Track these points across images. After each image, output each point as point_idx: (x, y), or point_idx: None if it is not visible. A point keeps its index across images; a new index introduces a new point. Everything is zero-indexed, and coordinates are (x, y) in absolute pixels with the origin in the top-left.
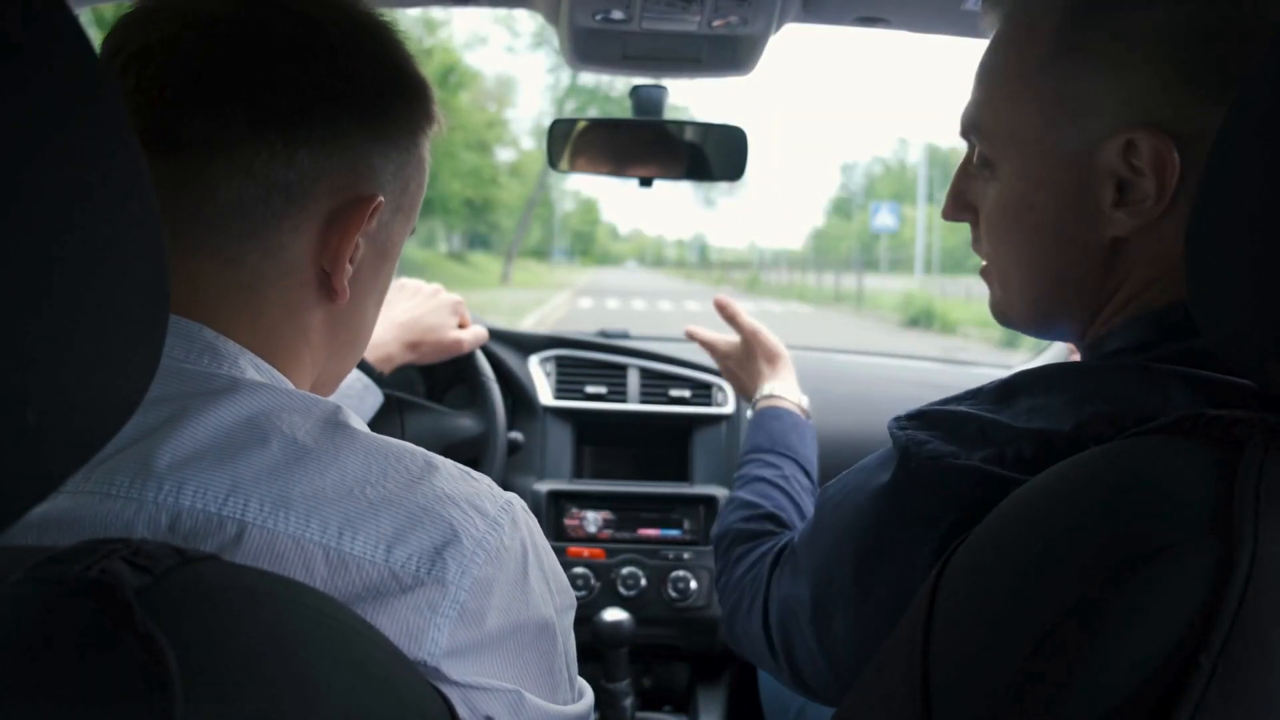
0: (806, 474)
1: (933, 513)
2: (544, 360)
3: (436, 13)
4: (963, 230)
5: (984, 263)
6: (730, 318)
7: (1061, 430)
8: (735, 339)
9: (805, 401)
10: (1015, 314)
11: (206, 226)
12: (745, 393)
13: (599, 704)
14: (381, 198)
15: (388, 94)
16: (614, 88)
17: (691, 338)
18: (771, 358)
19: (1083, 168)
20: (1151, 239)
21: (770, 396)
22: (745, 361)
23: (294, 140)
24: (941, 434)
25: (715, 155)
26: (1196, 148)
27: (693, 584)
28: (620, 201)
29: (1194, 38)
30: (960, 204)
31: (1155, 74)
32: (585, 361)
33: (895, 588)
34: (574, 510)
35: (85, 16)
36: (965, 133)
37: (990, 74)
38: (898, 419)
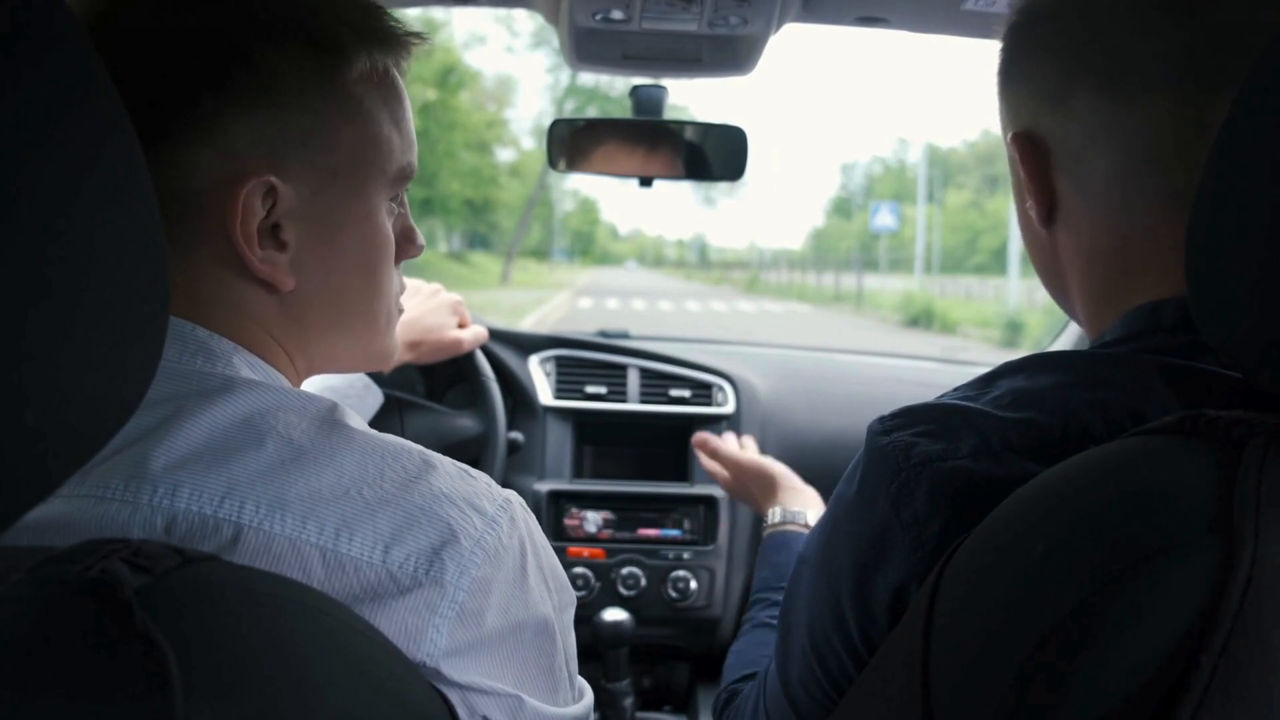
0: None
1: (922, 517)
2: (544, 360)
3: (436, 13)
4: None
5: None
6: (710, 454)
7: (1047, 422)
8: (727, 473)
9: (812, 511)
10: None
11: None
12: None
13: (599, 704)
14: (269, 175)
15: (256, 55)
16: (614, 87)
17: (704, 469)
18: (764, 485)
19: (1016, 167)
20: (1070, 234)
21: (776, 525)
22: (741, 493)
23: (151, 141)
24: (928, 429)
25: (715, 155)
26: (1052, 151)
27: (693, 584)
28: (620, 201)
29: (1049, 54)
30: None
31: (1026, 87)
32: (585, 361)
33: (894, 599)
34: (574, 510)
35: None
36: None
37: None
38: (881, 419)
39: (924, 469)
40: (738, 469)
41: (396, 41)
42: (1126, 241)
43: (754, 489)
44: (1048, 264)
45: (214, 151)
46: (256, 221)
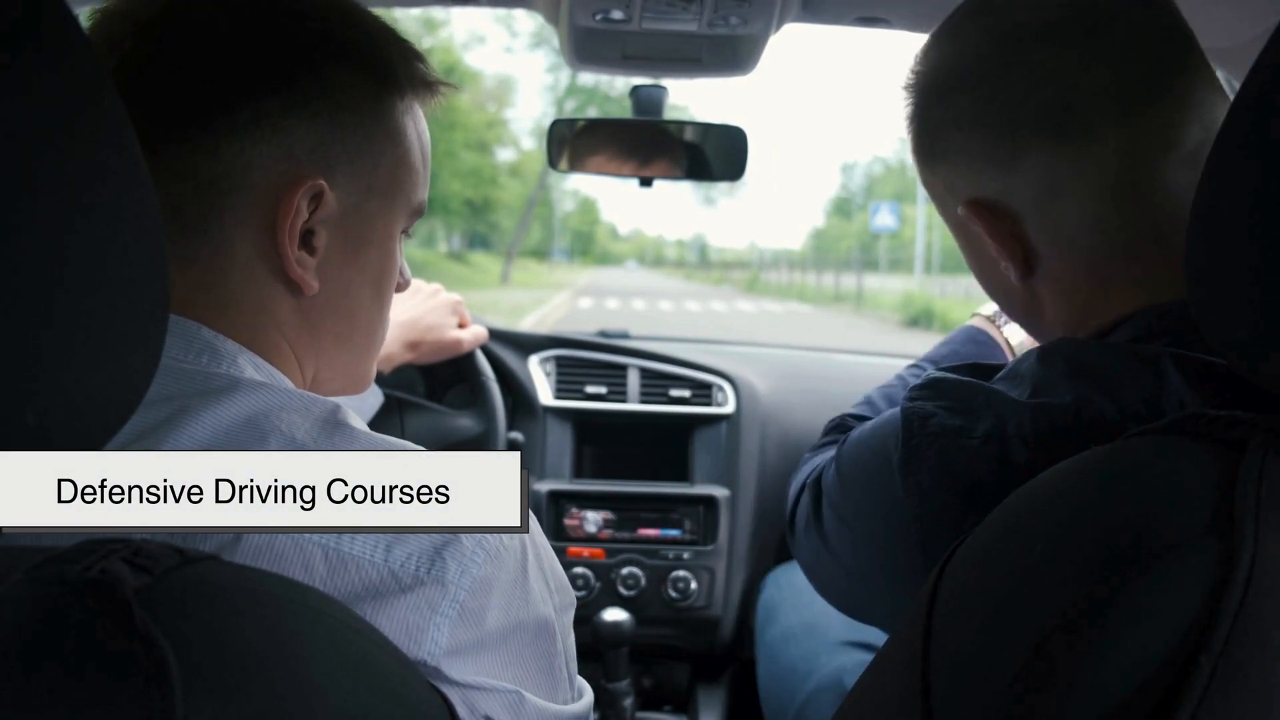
0: None
1: (926, 489)
2: (544, 360)
3: (436, 13)
4: None
5: None
6: None
7: (1061, 404)
8: None
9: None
10: None
11: None
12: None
13: (599, 704)
14: (321, 179)
15: (324, 68)
16: (614, 87)
17: None
18: None
19: (968, 232)
20: (1049, 281)
21: (979, 315)
22: None
23: (214, 132)
24: (949, 404)
25: (715, 155)
26: (1016, 209)
27: (693, 584)
28: (620, 201)
29: (980, 124)
30: None
31: (964, 159)
32: (585, 361)
33: (886, 551)
34: (574, 510)
35: (85, 16)
36: None
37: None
38: (913, 386)
39: (934, 442)
40: None
41: (434, 87)
42: (1109, 271)
43: None
44: (1024, 310)
45: (272, 150)
46: (300, 222)
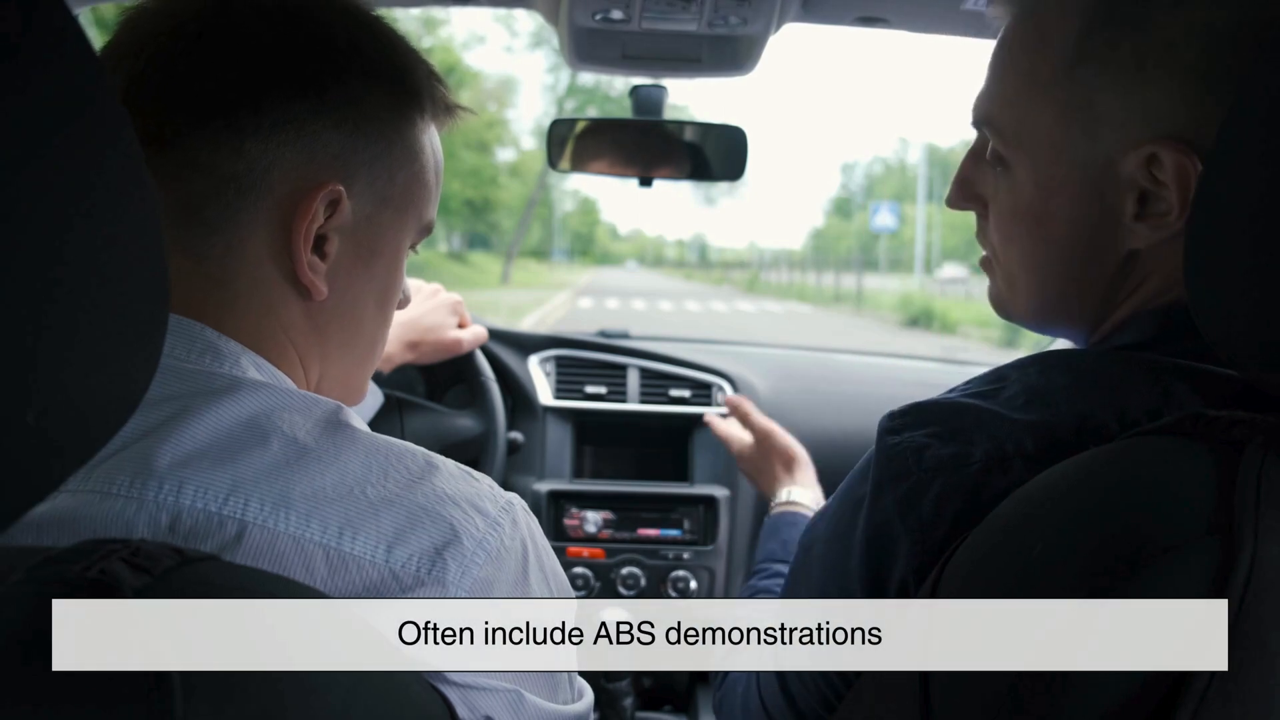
0: None
1: (928, 522)
2: (544, 360)
3: (436, 12)
4: (963, 231)
5: (985, 253)
6: (742, 418)
7: (1062, 420)
8: (749, 438)
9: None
10: (1017, 311)
11: (166, 223)
12: (765, 493)
13: (599, 704)
14: (339, 185)
15: (352, 79)
16: (614, 87)
17: (712, 428)
18: (788, 461)
19: (1102, 179)
20: (1170, 249)
21: (788, 502)
22: (761, 462)
23: (240, 130)
24: (938, 431)
25: (715, 155)
26: (1200, 161)
27: (693, 584)
28: (620, 201)
29: (1212, 46)
30: (968, 194)
31: (1175, 85)
32: (585, 361)
33: (898, 595)
34: (574, 510)
35: (85, 17)
36: (978, 124)
37: (1005, 73)
38: (890, 415)
39: (935, 477)
40: (768, 438)
41: (454, 111)
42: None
43: (777, 462)
44: (1099, 284)
45: (295, 153)
46: (316, 226)
